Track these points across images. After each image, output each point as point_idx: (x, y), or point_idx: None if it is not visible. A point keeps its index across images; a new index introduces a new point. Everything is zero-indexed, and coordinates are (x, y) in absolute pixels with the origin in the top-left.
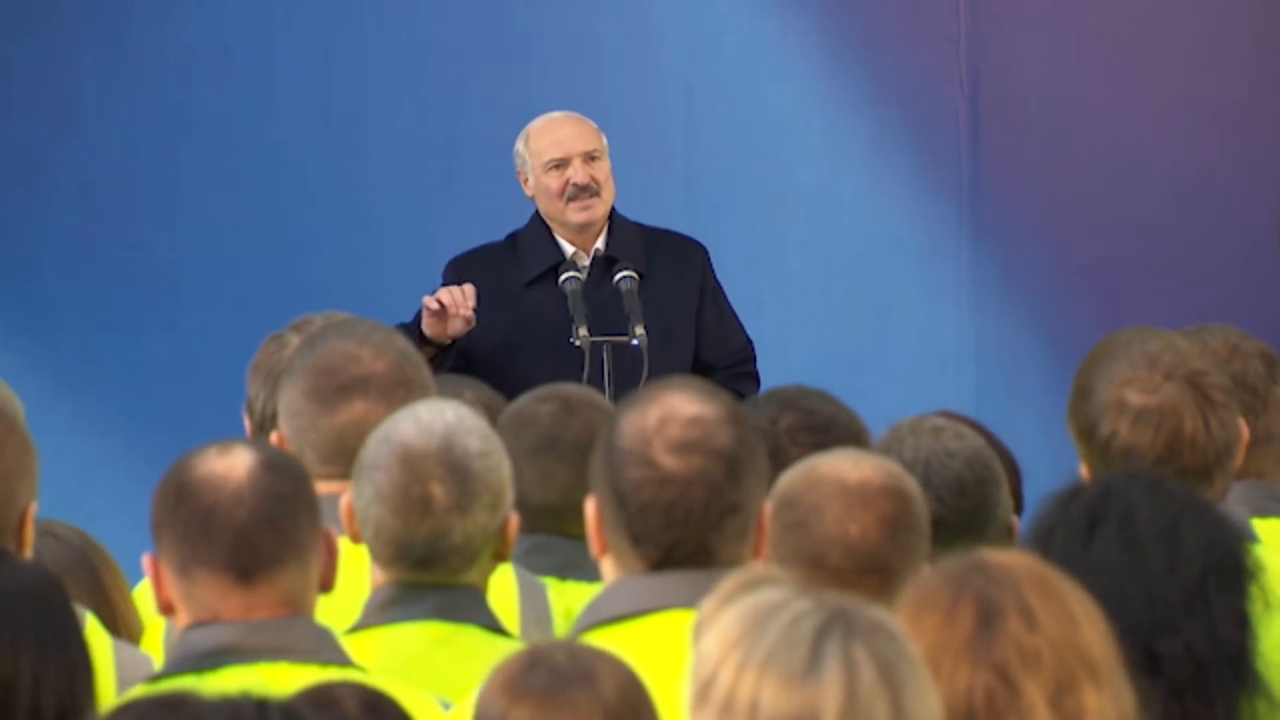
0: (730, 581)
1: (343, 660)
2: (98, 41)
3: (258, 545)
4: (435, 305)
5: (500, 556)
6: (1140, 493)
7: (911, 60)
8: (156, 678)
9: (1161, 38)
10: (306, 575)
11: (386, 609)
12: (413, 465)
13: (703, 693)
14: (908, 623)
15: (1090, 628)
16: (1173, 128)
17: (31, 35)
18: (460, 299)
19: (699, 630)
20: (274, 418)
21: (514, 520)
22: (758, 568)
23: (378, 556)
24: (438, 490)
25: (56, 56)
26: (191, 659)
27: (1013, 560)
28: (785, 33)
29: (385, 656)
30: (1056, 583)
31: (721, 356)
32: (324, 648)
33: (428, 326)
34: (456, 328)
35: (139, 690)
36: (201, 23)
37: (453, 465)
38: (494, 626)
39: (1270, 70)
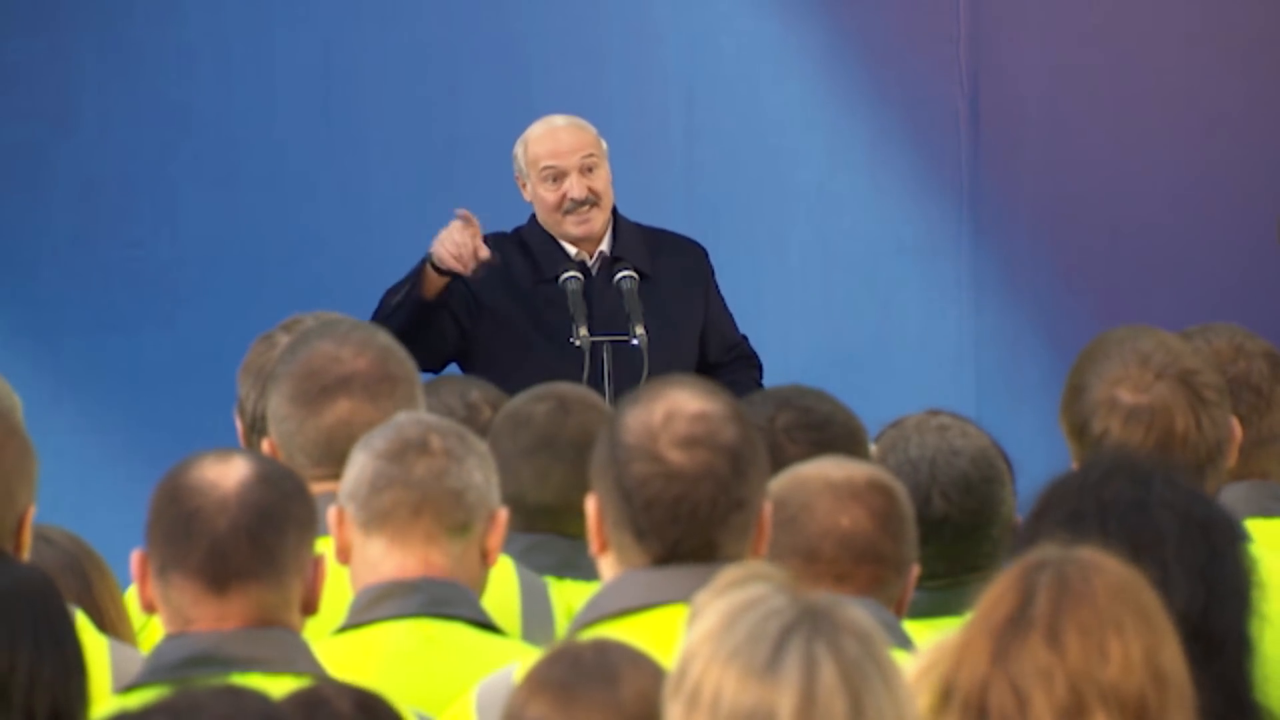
0: (725, 576)
1: (317, 671)
2: (98, 41)
3: (231, 556)
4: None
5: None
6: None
7: (911, 60)
8: (128, 689)
9: (1161, 39)
10: (284, 593)
11: (374, 607)
12: None
13: (677, 682)
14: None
15: (1128, 666)
16: (1173, 128)
17: (31, 35)
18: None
19: (690, 621)
20: (264, 419)
21: (501, 516)
22: (755, 563)
23: None
24: None
25: (56, 56)
26: (163, 669)
27: (1094, 571)
28: (785, 33)
29: (374, 654)
30: (1121, 609)
31: (723, 353)
32: (298, 658)
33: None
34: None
35: (112, 704)
36: (201, 22)
37: None
38: (482, 622)
39: (1270, 71)
